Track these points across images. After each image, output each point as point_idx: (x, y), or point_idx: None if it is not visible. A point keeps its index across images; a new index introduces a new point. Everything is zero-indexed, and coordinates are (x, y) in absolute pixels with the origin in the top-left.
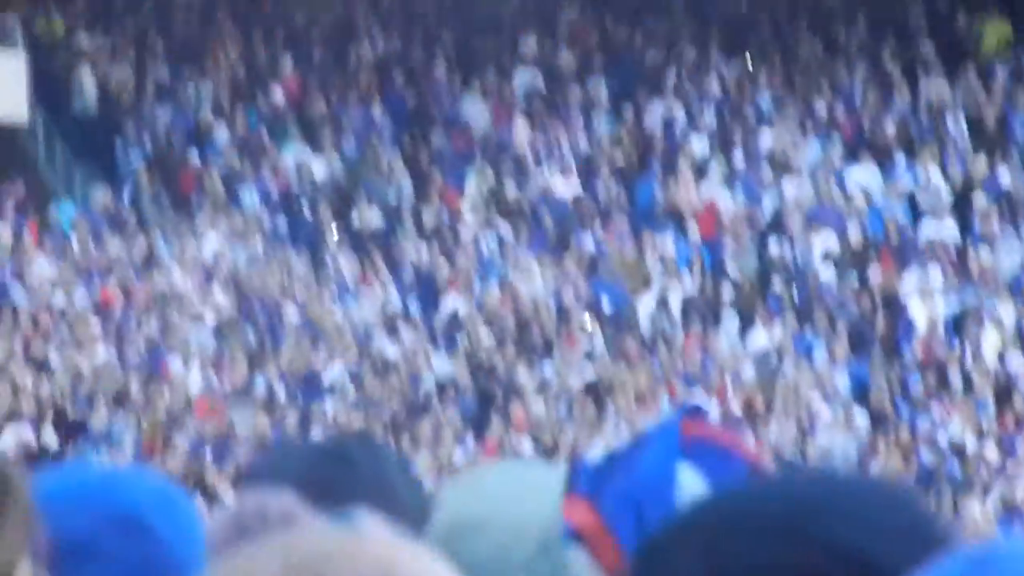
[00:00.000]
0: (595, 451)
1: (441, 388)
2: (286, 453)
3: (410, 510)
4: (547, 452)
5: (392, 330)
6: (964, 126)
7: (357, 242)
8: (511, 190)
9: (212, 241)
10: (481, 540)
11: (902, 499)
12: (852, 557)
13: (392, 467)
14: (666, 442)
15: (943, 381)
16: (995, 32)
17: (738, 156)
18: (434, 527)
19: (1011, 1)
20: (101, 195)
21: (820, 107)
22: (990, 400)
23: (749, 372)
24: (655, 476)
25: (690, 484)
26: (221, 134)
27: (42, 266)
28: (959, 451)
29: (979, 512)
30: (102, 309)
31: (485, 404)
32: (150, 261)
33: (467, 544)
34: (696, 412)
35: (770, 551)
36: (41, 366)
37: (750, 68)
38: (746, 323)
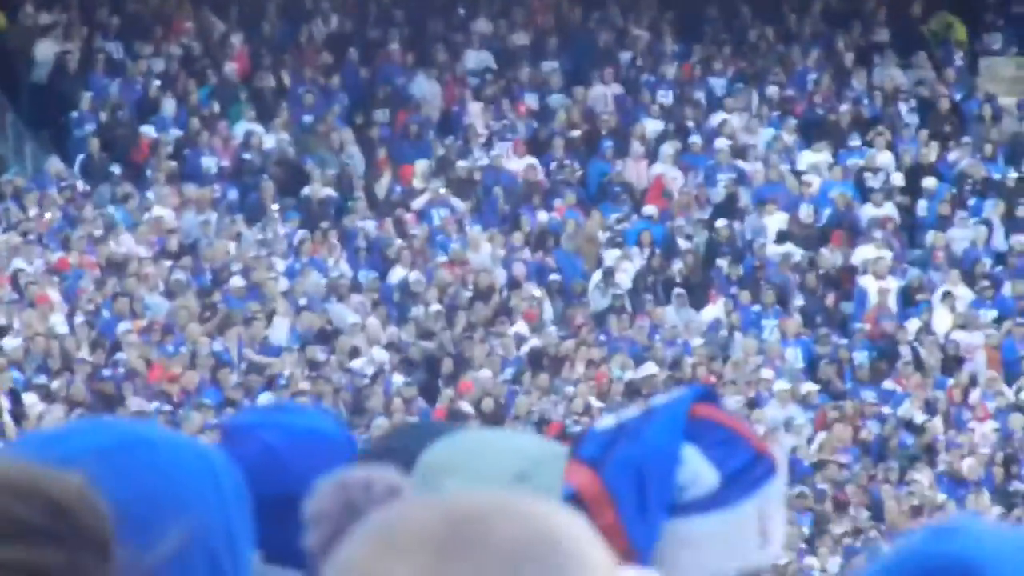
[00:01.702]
0: (603, 419)
1: (391, 357)
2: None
3: None
4: (494, 421)
5: (342, 299)
6: (917, 111)
7: (308, 213)
8: (462, 165)
9: (162, 211)
10: (457, 479)
11: None
12: None
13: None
14: (674, 418)
15: (893, 356)
16: (948, 31)
17: (690, 137)
18: (413, 475)
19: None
20: (53, 165)
21: (773, 91)
22: (939, 374)
23: (698, 345)
24: (659, 449)
25: (693, 461)
26: (172, 107)
27: None
28: (908, 424)
29: (926, 483)
30: (55, 276)
31: (434, 373)
32: (103, 230)
33: (444, 484)
34: (707, 394)
35: None
36: None
37: (703, 52)
38: (696, 298)
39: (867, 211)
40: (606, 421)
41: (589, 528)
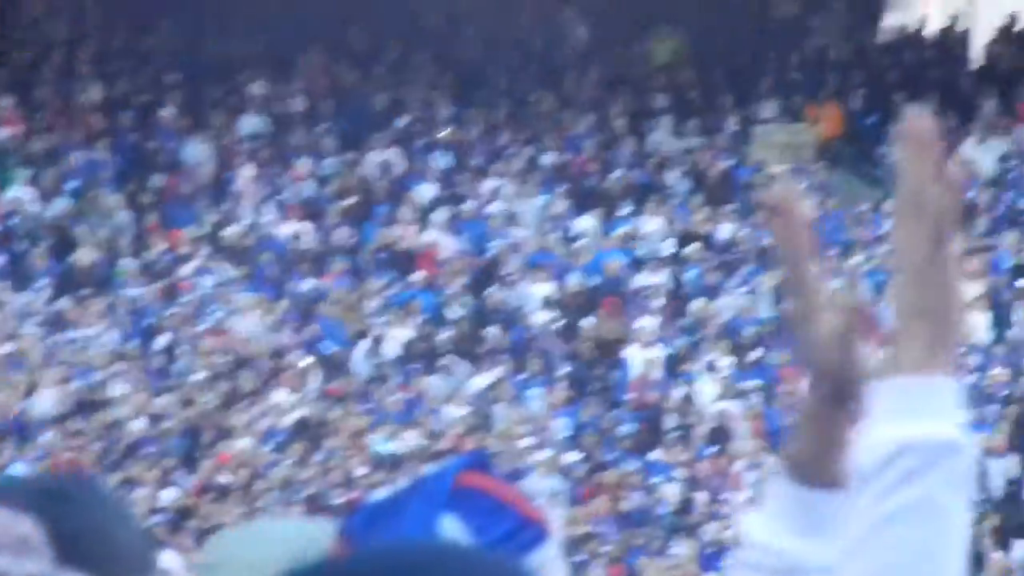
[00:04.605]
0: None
1: (154, 426)
2: None
3: (128, 553)
4: (251, 492)
5: (107, 367)
6: (688, 178)
7: (75, 280)
8: (232, 231)
9: None
10: (227, 571)
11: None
12: None
13: (111, 507)
14: (436, 490)
15: (657, 426)
16: (666, 48)
17: (463, 203)
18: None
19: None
20: None
21: (547, 157)
22: (703, 444)
23: (464, 414)
24: (417, 523)
25: (453, 534)
26: None
27: None
28: (671, 494)
29: (688, 553)
30: None
31: (195, 442)
32: None
33: None
34: (478, 462)
35: None
36: None
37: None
38: (464, 367)
39: (638, 280)
40: (381, 494)
41: None
